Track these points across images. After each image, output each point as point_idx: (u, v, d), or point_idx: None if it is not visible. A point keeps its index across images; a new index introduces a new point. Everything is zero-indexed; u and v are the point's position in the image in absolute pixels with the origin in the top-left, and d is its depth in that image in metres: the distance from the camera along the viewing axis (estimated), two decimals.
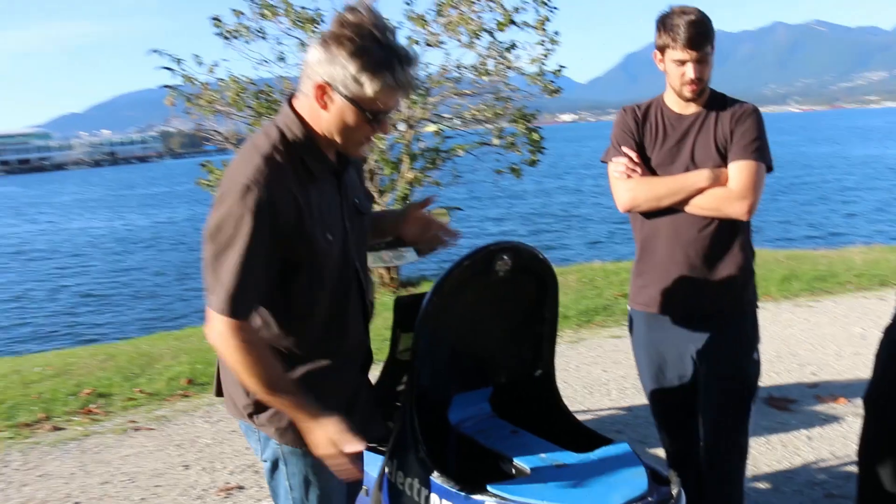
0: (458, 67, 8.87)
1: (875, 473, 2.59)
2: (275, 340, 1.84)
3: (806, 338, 5.71)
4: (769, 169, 2.48)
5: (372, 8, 1.70)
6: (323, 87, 1.71)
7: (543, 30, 8.58)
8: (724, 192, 2.41)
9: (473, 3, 8.32)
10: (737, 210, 2.40)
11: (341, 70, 1.67)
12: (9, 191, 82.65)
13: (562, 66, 8.96)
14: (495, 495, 1.93)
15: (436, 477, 2.04)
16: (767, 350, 5.41)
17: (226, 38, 8.33)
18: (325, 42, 1.68)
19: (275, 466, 1.94)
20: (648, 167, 2.53)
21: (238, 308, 1.68)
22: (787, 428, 4.11)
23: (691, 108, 2.51)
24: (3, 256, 27.61)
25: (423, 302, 2.14)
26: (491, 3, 8.38)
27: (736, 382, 2.58)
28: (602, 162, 2.64)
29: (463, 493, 1.96)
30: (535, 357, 2.47)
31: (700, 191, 2.42)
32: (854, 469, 2.76)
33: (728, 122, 2.46)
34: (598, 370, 5.26)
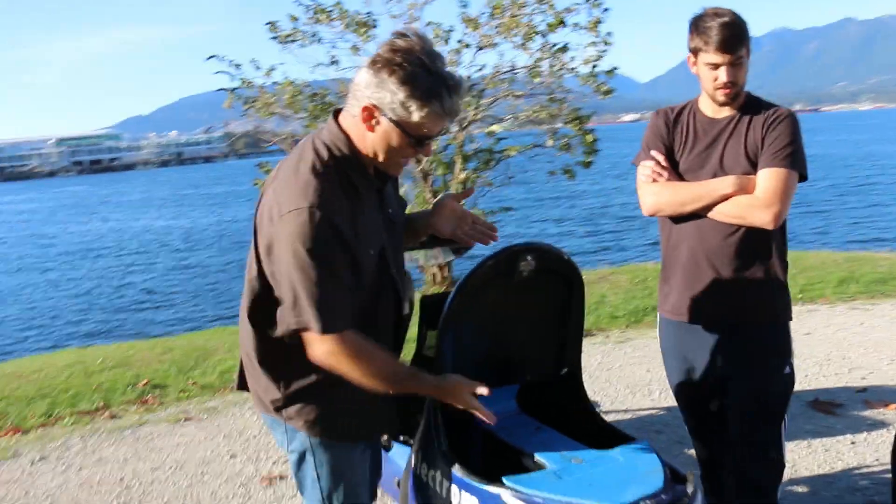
0: (512, 69, 8.89)
1: None
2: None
3: (858, 341, 5.56)
4: (803, 178, 2.38)
5: (422, 34, 1.75)
6: (371, 109, 1.75)
7: (596, 31, 8.55)
8: (750, 200, 2.32)
9: (524, 5, 8.33)
10: (762, 218, 2.31)
11: (390, 95, 1.72)
12: (81, 190, 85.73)
13: (615, 67, 8.89)
14: (511, 488, 1.98)
15: (456, 470, 2.11)
16: (817, 353, 5.38)
17: (282, 42, 8.53)
18: (376, 66, 1.72)
19: (302, 458, 2.00)
20: (677, 171, 2.47)
21: (337, 323, 1.75)
22: (832, 432, 4.03)
23: (724, 113, 2.44)
24: (73, 254, 28.73)
25: (447, 301, 2.21)
26: (542, 6, 8.38)
27: (764, 397, 2.48)
28: (632, 165, 2.60)
29: (480, 486, 2.02)
30: (560, 356, 2.51)
31: (725, 197, 2.34)
32: None
33: (760, 128, 2.37)
34: (643, 370, 5.24)
